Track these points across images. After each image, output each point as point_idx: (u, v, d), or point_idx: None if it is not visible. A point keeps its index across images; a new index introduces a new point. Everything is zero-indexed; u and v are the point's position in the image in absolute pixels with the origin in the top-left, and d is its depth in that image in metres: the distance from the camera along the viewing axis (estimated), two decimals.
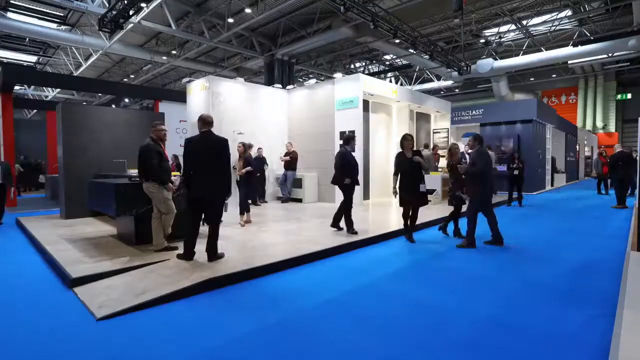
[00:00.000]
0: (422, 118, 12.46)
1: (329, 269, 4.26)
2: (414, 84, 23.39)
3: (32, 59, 19.57)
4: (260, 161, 9.41)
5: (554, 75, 23.87)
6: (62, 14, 14.11)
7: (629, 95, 24.73)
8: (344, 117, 9.27)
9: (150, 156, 4.34)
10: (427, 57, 13.70)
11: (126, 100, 26.03)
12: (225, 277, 3.66)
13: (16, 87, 20.23)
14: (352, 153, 5.94)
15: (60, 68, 20.24)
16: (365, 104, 9.78)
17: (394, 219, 7.38)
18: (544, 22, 15.27)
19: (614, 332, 2.51)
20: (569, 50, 15.44)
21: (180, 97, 12.04)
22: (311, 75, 21.94)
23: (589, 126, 25.38)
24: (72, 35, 14.17)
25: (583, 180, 20.64)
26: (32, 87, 23.66)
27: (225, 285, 3.61)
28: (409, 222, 5.60)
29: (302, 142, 10.20)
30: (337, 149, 9.19)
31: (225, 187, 4.13)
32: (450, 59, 13.91)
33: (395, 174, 5.51)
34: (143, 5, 10.35)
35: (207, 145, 4.08)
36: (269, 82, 15.12)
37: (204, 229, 4.44)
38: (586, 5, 13.72)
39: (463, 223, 5.60)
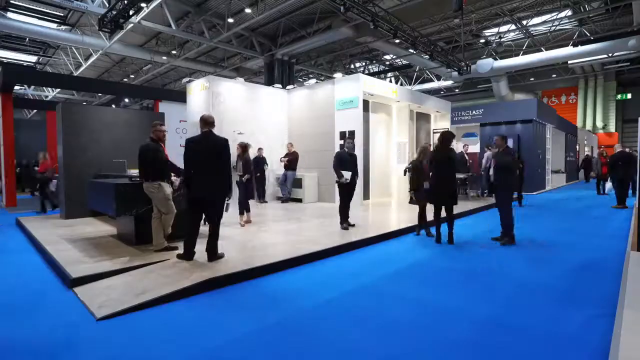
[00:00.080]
0: (422, 118, 12.46)
1: (329, 269, 4.26)
2: (414, 84, 23.39)
3: (32, 59, 19.58)
4: (261, 161, 9.42)
5: (554, 75, 23.87)
6: (62, 14, 14.11)
7: (629, 95, 24.72)
8: (344, 117, 9.27)
9: (151, 156, 4.35)
10: (427, 57, 13.69)
11: (126, 100, 26.03)
12: (225, 277, 3.66)
13: (16, 87, 20.24)
14: (347, 151, 6.17)
15: (60, 68, 20.24)
16: (365, 104, 9.78)
17: (394, 219, 7.38)
18: (544, 22, 15.27)
19: (614, 332, 2.51)
20: (569, 50, 15.44)
21: (180, 97, 12.03)
22: (311, 75, 21.95)
23: (589, 126, 25.38)
24: (72, 35, 14.17)
25: (582, 180, 20.60)
26: (32, 87, 23.66)
27: (225, 285, 3.61)
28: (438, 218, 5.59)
29: (302, 142, 10.20)
30: (337, 149, 9.23)
31: (226, 187, 4.14)
32: (450, 59, 13.91)
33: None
34: (143, 5, 10.35)
35: (208, 145, 4.08)
36: (269, 82, 15.12)
37: (204, 228, 4.45)
38: (586, 5, 13.71)
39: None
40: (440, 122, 13.05)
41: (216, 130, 4.30)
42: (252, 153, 8.97)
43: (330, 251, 4.79)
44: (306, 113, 10.45)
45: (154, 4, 11.19)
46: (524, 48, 17.16)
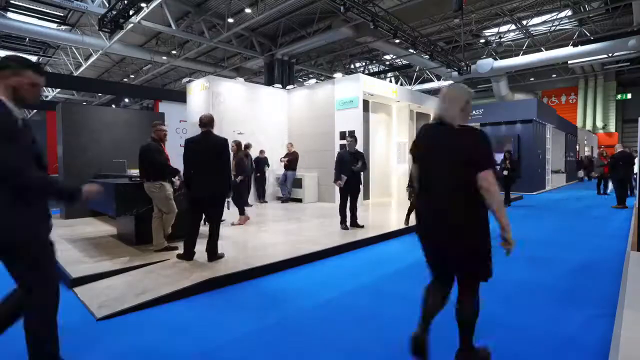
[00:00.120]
0: (422, 118, 12.45)
1: (329, 269, 4.26)
2: (414, 84, 23.39)
3: (32, 59, 19.50)
4: (262, 162, 9.42)
5: (554, 75, 23.87)
6: (62, 14, 14.10)
7: (629, 95, 24.74)
8: (344, 117, 9.27)
9: (152, 155, 4.35)
10: (427, 57, 13.70)
11: (126, 100, 26.03)
12: (225, 277, 3.66)
13: None
14: (347, 150, 6.16)
15: (60, 68, 20.24)
16: (365, 104, 9.78)
17: (394, 219, 7.38)
18: (544, 22, 15.27)
19: (614, 332, 2.51)
20: (569, 50, 15.44)
21: (180, 97, 12.04)
22: (311, 75, 21.94)
23: (589, 126, 25.38)
24: (72, 35, 14.17)
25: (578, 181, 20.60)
26: None
27: (225, 285, 3.61)
28: None
29: (302, 142, 10.21)
30: (337, 149, 9.24)
31: (226, 187, 4.14)
32: (450, 59, 13.92)
33: None
34: (143, 5, 10.35)
35: (208, 146, 4.09)
36: (269, 82, 15.11)
37: (204, 228, 4.44)
38: (586, 5, 13.71)
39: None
40: None
41: (216, 130, 4.30)
42: (254, 154, 8.99)
43: (330, 251, 4.79)
44: (306, 113, 10.45)
45: (154, 4, 11.19)
46: (524, 48, 17.16)
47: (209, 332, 2.69)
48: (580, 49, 15.00)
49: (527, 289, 3.58)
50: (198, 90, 9.46)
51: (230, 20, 13.27)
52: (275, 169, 10.34)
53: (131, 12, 9.76)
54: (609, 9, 14.10)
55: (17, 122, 1.80)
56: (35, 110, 25.14)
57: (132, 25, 12.18)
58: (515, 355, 2.37)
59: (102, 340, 2.58)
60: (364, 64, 21.02)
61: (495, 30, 16.05)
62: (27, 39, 16.34)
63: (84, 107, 11.25)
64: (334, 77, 11.89)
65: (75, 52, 17.28)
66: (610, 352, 2.26)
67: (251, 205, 8.70)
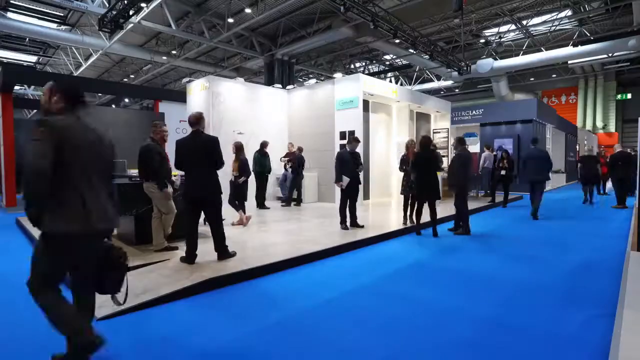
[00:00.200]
0: (422, 118, 12.46)
1: (329, 269, 4.26)
2: (414, 84, 23.39)
3: (32, 59, 19.58)
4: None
5: (554, 75, 23.87)
6: (62, 14, 14.12)
7: (629, 95, 24.73)
8: (344, 117, 9.27)
9: (151, 157, 4.34)
10: (427, 57, 13.70)
11: (126, 100, 26.04)
12: (225, 277, 3.66)
13: (16, 87, 20.23)
14: (348, 150, 6.18)
15: (60, 68, 20.25)
16: (365, 104, 9.78)
17: (394, 219, 7.38)
18: (544, 22, 15.27)
19: (614, 332, 2.51)
20: (569, 50, 15.44)
21: (180, 97, 12.03)
22: (311, 75, 21.95)
23: (589, 126, 25.38)
24: (72, 35, 14.18)
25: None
26: (32, 87, 23.66)
27: (225, 285, 3.61)
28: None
29: (302, 142, 10.18)
30: (337, 149, 9.22)
31: (219, 186, 4.15)
32: (450, 59, 13.91)
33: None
34: (143, 5, 10.36)
35: (198, 145, 4.05)
36: (269, 82, 15.12)
37: (205, 229, 4.44)
38: (586, 5, 13.72)
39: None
40: (440, 122, 13.06)
41: (216, 131, 4.30)
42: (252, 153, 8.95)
43: (330, 251, 4.79)
44: (306, 113, 10.45)
45: (154, 4, 11.20)
46: (524, 48, 17.16)
47: (209, 332, 2.69)
48: (580, 49, 15.00)
49: (527, 289, 3.58)
50: (198, 90, 9.46)
51: (230, 20, 13.28)
52: (275, 168, 10.32)
53: (131, 12, 9.77)
54: (609, 9, 14.11)
55: None
56: (35, 110, 25.16)
57: (132, 25, 12.19)
58: (516, 355, 2.37)
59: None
60: (364, 64, 21.02)
61: (495, 30, 16.05)
62: (27, 39, 16.35)
63: None
64: (334, 77, 11.89)
65: (75, 52, 17.29)
66: (610, 352, 2.26)
67: (269, 207, 8.68)
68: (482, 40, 17.07)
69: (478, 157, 12.16)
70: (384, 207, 9.11)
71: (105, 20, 10.21)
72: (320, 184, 10.02)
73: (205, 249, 4.31)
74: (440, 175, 9.45)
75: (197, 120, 4.12)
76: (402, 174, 6.78)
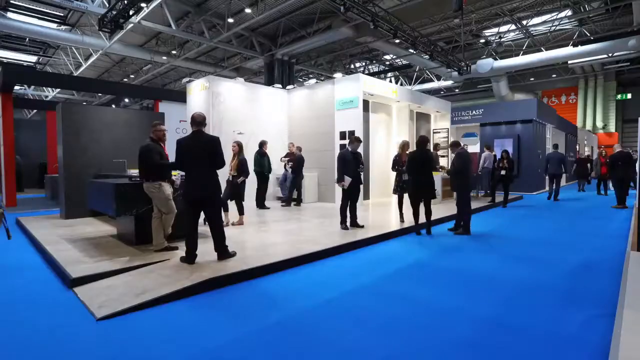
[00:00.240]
0: (422, 118, 12.46)
1: (329, 269, 4.26)
2: (414, 84, 23.40)
3: (32, 59, 19.58)
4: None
5: (554, 75, 23.87)
6: (62, 14, 14.11)
7: (629, 95, 24.73)
8: (344, 117, 9.27)
9: (151, 156, 4.35)
10: (427, 57, 13.70)
11: (126, 100, 26.03)
12: (225, 277, 3.66)
13: (16, 87, 20.24)
14: (349, 150, 6.17)
15: (60, 68, 20.25)
16: (365, 104, 9.78)
17: (394, 219, 7.37)
18: (544, 22, 15.27)
19: (614, 332, 2.51)
20: (569, 50, 15.44)
21: (180, 97, 12.04)
22: (311, 75, 21.95)
23: (589, 126, 25.38)
24: (72, 35, 14.17)
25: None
26: (32, 87, 23.67)
27: (225, 285, 3.61)
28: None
29: (302, 142, 10.18)
30: (337, 149, 9.24)
31: (219, 186, 4.16)
32: (450, 59, 13.91)
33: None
34: (143, 5, 10.35)
35: (200, 145, 4.05)
36: (269, 82, 15.12)
37: (204, 229, 4.44)
38: (586, 5, 13.72)
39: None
40: (440, 122, 13.06)
41: (216, 131, 4.30)
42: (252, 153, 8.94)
43: (330, 251, 4.79)
44: (306, 113, 10.45)
45: (154, 4, 11.20)
46: (524, 48, 17.16)
47: (209, 332, 2.69)
48: (580, 49, 15.01)
49: (527, 289, 3.58)
50: (198, 90, 9.46)
51: (230, 20, 13.28)
52: (275, 169, 10.32)
53: (131, 12, 9.76)
54: (609, 9, 14.11)
55: None
56: (35, 110, 25.20)
57: (132, 25, 12.19)
58: (515, 355, 2.37)
59: (102, 340, 2.58)
60: (364, 64, 21.02)
61: (495, 30, 16.05)
62: (27, 39, 16.35)
63: (84, 107, 11.24)
64: (334, 77, 11.89)
65: (75, 52, 17.29)
66: (610, 352, 2.26)
67: (269, 208, 8.67)
68: (482, 40, 17.07)
69: (478, 157, 12.16)
70: (384, 207, 9.11)
71: (105, 20, 10.21)
72: (320, 184, 10.02)
73: (205, 249, 4.32)
74: (440, 175, 9.46)
75: (202, 120, 4.14)
76: (395, 178, 6.87)
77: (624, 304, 2.68)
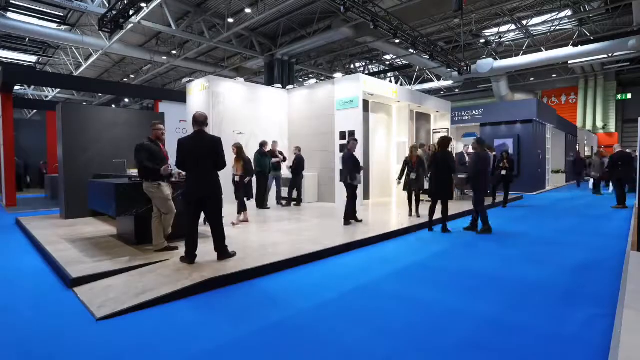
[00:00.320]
0: (422, 118, 12.46)
1: (329, 269, 4.26)
2: (414, 84, 23.40)
3: (32, 59, 19.58)
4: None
5: (554, 75, 23.88)
6: (62, 14, 14.12)
7: (629, 95, 24.73)
8: (344, 117, 9.27)
9: (137, 155, 4.34)
10: (427, 57, 13.69)
11: (126, 100, 26.04)
12: (225, 277, 3.66)
13: (16, 87, 20.24)
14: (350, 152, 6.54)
15: (60, 68, 20.25)
16: (365, 104, 9.78)
17: (394, 219, 7.38)
18: (544, 22, 15.28)
19: (614, 332, 2.51)
20: (569, 50, 15.45)
21: (180, 97, 12.04)
22: (311, 75, 21.95)
23: (589, 126, 25.39)
24: (72, 35, 14.18)
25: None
26: (32, 87, 23.67)
27: (225, 285, 3.61)
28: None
29: (302, 142, 10.20)
30: (337, 149, 9.25)
31: (220, 185, 4.16)
32: (450, 59, 13.91)
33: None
34: (143, 5, 10.36)
35: (201, 145, 4.06)
36: (269, 82, 15.12)
37: (205, 229, 4.43)
38: (586, 5, 13.72)
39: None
40: (440, 122, 13.06)
41: (216, 130, 4.30)
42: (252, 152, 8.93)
43: (330, 251, 4.79)
44: (306, 113, 10.45)
45: (154, 4, 11.20)
46: (524, 48, 17.17)
47: (209, 332, 2.69)
48: (580, 49, 15.01)
49: (527, 289, 3.57)
50: (198, 90, 9.46)
51: (230, 20, 13.28)
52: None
53: (131, 12, 9.76)
54: (609, 9, 14.11)
55: None
56: (35, 110, 25.19)
57: (132, 25, 12.20)
58: (516, 355, 2.37)
59: (102, 340, 2.58)
60: (364, 64, 21.03)
61: (495, 30, 16.06)
62: (27, 39, 16.35)
63: (84, 107, 11.24)
64: (334, 77, 11.89)
65: (75, 52, 17.29)
66: (610, 352, 2.26)
67: (269, 207, 8.72)
68: (482, 40, 17.08)
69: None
70: (384, 207, 9.11)
71: (105, 20, 10.21)
72: (320, 184, 10.02)
73: (205, 249, 4.32)
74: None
75: (204, 120, 4.14)
76: (400, 173, 7.49)
77: (624, 304, 2.68)
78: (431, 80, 23.21)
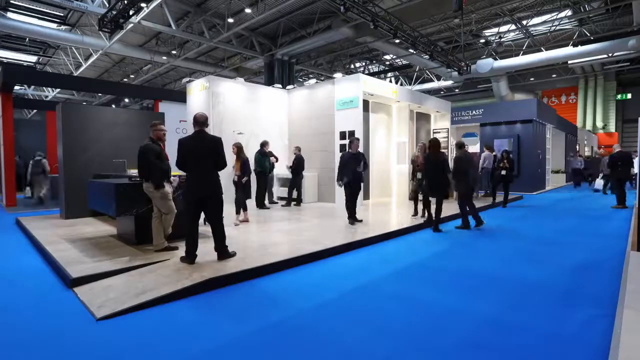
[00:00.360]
0: (422, 118, 12.45)
1: (329, 269, 4.26)
2: (414, 84, 23.40)
3: (32, 59, 19.58)
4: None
5: (554, 75, 23.88)
6: (62, 14, 14.12)
7: (629, 95, 24.73)
8: (344, 117, 9.27)
9: (148, 157, 4.34)
10: (427, 57, 13.70)
11: (126, 100, 26.04)
12: (225, 277, 3.66)
13: (16, 87, 20.24)
14: (350, 152, 6.59)
15: (60, 68, 20.25)
16: (365, 104, 9.78)
17: (394, 219, 7.39)
18: (544, 22, 15.28)
19: (614, 332, 2.51)
20: (569, 50, 15.45)
21: (180, 97, 12.04)
22: (311, 75, 21.95)
23: (589, 126, 25.39)
24: (72, 35, 14.18)
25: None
26: (32, 87, 23.66)
27: (225, 285, 3.61)
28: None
29: (302, 142, 10.20)
30: (337, 149, 9.25)
31: (220, 186, 4.16)
32: (450, 59, 13.91)
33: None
34: (143, 5, 10.36)
35: (202, 145, 4.06)
36: (269, 82, 15.12)
37: (205, 229, 4.43)
38: (586, 5, 13.72)
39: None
40: (440, 122, 13.04)
41: (216, 130, 4.31)
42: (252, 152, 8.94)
43: (330, 251, 4.79)
44: (306, 113, 10.45)
45: (154, 4, 11.20)
46: (524, 48, 17.16)
47: (209, 332, 2.69)
48: (580, 49, 15.01)
49: (527, 289, 3.58)
50: (198, 90, 9.46)
51: (230, 20, 13.28)
52: (276, 170, 10.32)
53: (131, 12, 9.76)
54: (609, 9, 14.11)
55: None
56: (35, 110, 25.19)
57: (132, 25, 12.20)
58: (516, 355, 2.37)
59: (102, 340, 2.58)
60: (364, 64, 21.03)
61: (495, 30, 16.06)
62: (27, 39, 16.35)
63: (84, 107, 11.24)
64: (334, 77, 11.89)
65: (75, 52, 17.29)
66: (610, 352, 2.26)
67: (269, 207, 8.75)
68: (482, 40, 17.08)
69: (478, 157, 12.16)
70: (384, 207, 9.11)
71: (105, 20, 10.21)
72: (320, 184, 10.02)
73: (205, 249, 4.32)
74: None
75: (204, 120, 4.15)
76: (402, 173, 7.32)
77: (624, 304, 2.68)
78: (431, 80, 23.21)
